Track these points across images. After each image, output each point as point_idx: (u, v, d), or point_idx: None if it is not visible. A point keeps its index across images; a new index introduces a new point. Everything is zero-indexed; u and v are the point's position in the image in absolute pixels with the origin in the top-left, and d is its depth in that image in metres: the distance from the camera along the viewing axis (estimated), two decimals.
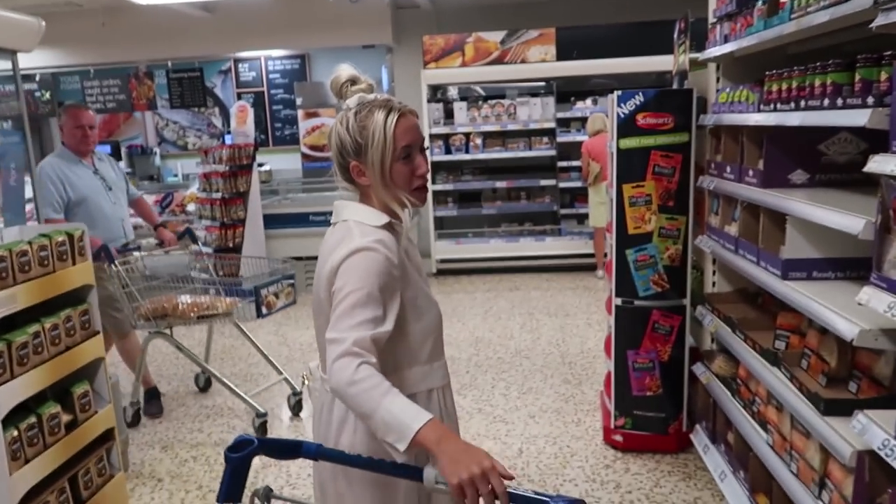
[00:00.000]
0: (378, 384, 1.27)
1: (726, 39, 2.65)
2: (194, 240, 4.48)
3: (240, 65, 9.94)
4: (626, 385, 3.24)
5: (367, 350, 1.30)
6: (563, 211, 7.25)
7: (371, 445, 1.39)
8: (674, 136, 2.99)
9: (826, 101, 1.86)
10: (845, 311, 1.81)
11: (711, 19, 2.91)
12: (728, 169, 2.68)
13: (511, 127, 6.84)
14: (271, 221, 6.63)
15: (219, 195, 6.24)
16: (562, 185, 7.09)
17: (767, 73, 2.31)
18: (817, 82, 1.93)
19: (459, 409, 3.76)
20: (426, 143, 1.55)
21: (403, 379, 1.47)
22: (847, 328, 1.74)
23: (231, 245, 6.33)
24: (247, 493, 1.31)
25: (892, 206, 1.54)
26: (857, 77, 1.72)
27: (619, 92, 3.02)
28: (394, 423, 1.24)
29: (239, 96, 10.04)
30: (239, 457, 1.24)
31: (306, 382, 1.76)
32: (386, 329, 1.37)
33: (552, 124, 6.87)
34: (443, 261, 7.09)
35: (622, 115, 3.01)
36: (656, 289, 3.12)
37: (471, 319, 5.51)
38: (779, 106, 2.18)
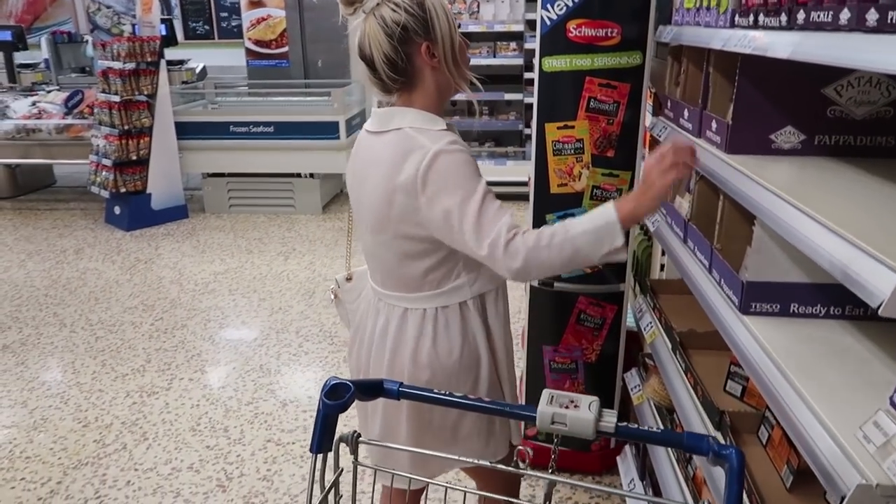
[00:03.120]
0: (552, 232, 1.30)
1: None
2: None
3: None
4: (541, 388, 2.46)
5: (517, 225, 1.31)
6: (530, 130, 6.27)
7: (453, 354, 1.46)
8: (620, 57, 2.06)
9: (845, 17, 0.95)
10: (839, 422, 0.98)
11: None
12: (686, 113, 1.78)
13: (472, 28, 5.75)
14: (186, 131, 5.68)
15: (117, 98, 5.27)
16: (529, 100, 6.06)
17: None
18: None
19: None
20: None
21: (480, 277, 1.47)
22: (840, 471, 0.92)
23: (135, 157, 5.42)
24: None
25: None
26: None
27: None
28: (596, 235, 1.29)
29: None
30: (336, 404, 1.08)
31: (334, 297, 1.76)
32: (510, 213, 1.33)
33: (521, 27, 5.78)
34: None
35: (548, 22, 2.07)
36: (585, 269, 2.29)
37: None
38: (762, 19, 1.26)
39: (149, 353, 3.43)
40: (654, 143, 2.20)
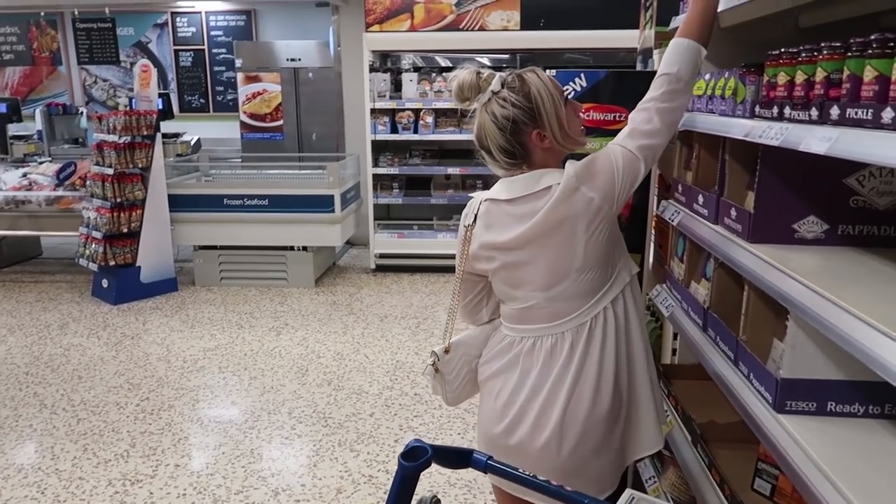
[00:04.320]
0: (675, 50, 1.55)
1: None
2: None
3: (178, 18, 8.83)
4: None
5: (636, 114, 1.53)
6: None
7: (607, 379, 1.54)
8: None
9: (888, 116, 0.92)
10: None
11: None
12: (700, 199, 1.75)
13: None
14: (179, 203, 5.64)
15: (111, 171, 5.25)
16: None
17: (771, 53, 1.37)
18: (867, 74, 1.00)
19: (346, 473, 2.90)
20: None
21: (629, 262, 1.59)
22: None
23: (126, 230, 5.36)
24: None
25: None
26: None
27: (554, 71, 2.07)
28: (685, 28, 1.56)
29: (177, 54, 8.97)
30: (413, 466, 1.13)
31: (432, 365, 1.75)
32: None
33: None
34: (382, 255, 6.15)
35: None
36: None
37: (397, 336, 4.60)
38: (788, 111, 1.25)
39: (133, 436, 3.27)
40: (663, 224, 2.18)
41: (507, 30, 5.61)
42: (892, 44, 0.97)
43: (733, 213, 1.54)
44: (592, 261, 1.50)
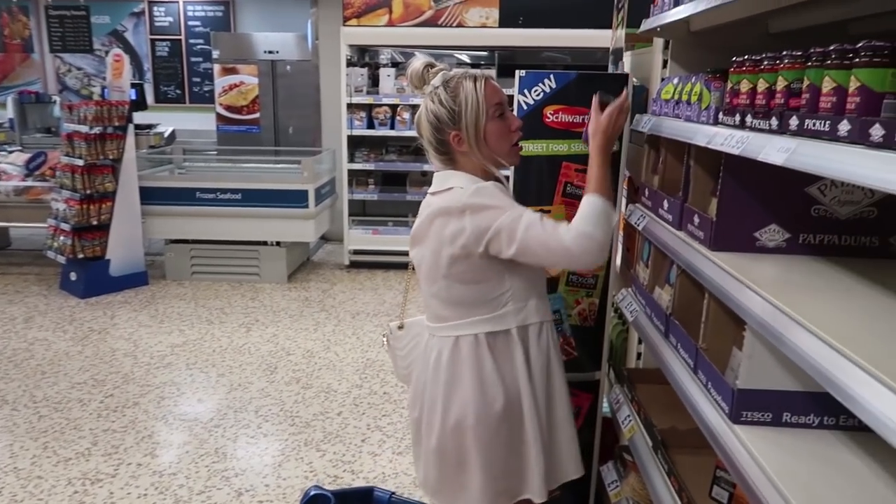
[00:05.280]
0: (579, 218, 1.53)
1: (678, 1, 1.69)
2: None
3: (155, 7, 8.69)
4: None
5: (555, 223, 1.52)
6: None
7: (480, 401, 1.58)
8: None
9: (844, 128, 0.91)
10: None
11: None
12: (665, 205, 1.74)
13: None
14: (151, 196, 5.55)
15: (81, 162, 5.14)
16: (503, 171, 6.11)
17: (736, 60, 1.36)
18: (826, 85, 0.98)
19: (311, 473, 2.87)
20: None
21: (528, 308, 1.62)
22: None
23: (96, 223, 5.26)
24: None
25: None
26: None
27: (524, 73, 2.05)
28: (597, 184, 1.57)
29: (153, 44, 8.83)
30: None
31: (386, 342, 1.94)
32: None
33: None
34: (356, 252, 6.10)
35: (524, 107, 2.05)
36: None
37: (369, 333, 4.56)
38: (749, 120, 1.23)
39: (96, 434, 3.20)
40: (631, 228, 2.17)
41: (485, 27, 5.58)
42: (850, 55, 0.96)
43: (696, 219, 1.53)
44: (458, 278, 1.57)
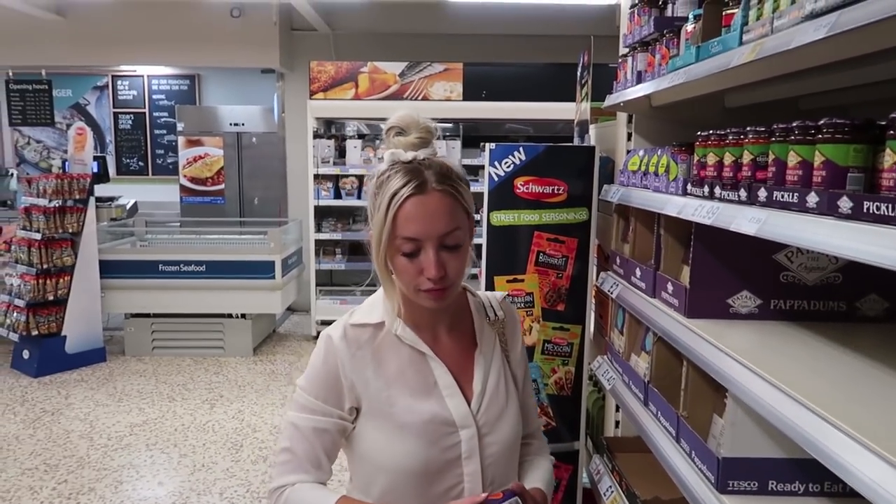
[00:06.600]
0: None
1: (640, 78, 1.77)
2: None
3: (119, 81, 8.73)
4: None
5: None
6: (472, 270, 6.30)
7: None
8: (567, 213, 2.09)
9: (813, 200, 0.95)
10: None
11: (622, 49, 2.04)
12: (638, 273, 1.77)
13: None
14: (112, 269, 5.43)
15: (38, 235, 5.03)
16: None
17: (701, 134, 1.41)
18: (791, 159, 1.03)
19: None
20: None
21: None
22: None
23: (52, 298, 5.10)
24: None
25: None
26: (889, 154, 0.81)
27: (493, 146, 2.10)
28: None
29: (116, 117, 8.82)
30: None
31: None
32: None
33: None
34: (324, 322, 6.02)
35: (495, 178, 2.09)
36: None
37: None
38: (718, 191, 1.28)
39: None
40: (603, 295, 2.19)
41: (449, 100, 5.74)
42: (812, 131, 1.00)
43: (670, 287, 1.56)
44: None
